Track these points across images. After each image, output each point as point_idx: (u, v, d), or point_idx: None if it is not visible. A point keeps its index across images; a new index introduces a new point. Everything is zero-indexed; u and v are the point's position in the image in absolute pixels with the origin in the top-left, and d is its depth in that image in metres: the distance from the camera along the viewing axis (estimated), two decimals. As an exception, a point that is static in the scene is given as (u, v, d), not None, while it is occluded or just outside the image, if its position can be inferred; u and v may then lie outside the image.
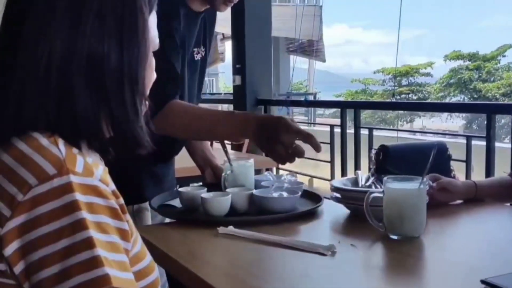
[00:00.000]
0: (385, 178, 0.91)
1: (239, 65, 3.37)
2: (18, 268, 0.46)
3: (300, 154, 0.92)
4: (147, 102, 0.58)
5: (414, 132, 7.65)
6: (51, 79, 0.51)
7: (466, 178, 2.32)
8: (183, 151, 1.32)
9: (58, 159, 0.48)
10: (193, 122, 1.02)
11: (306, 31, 7.40)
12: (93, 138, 0.54)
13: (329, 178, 3.20)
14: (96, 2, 0.52)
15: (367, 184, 1.11)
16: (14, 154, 0.49)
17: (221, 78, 15.99)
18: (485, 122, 2.23)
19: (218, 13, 1.21)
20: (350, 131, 3.06)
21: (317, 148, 0.93)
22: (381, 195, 0.91)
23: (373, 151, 1.22)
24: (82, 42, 0.51)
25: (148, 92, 0.58)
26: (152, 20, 0.58)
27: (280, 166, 3.74)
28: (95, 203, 0.47)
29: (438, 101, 13.05)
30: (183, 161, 1.40)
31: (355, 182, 1.14)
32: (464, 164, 2.32)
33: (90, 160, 0.52)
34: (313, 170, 3.97)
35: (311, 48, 9.42)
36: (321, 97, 22.98)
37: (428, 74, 21.25)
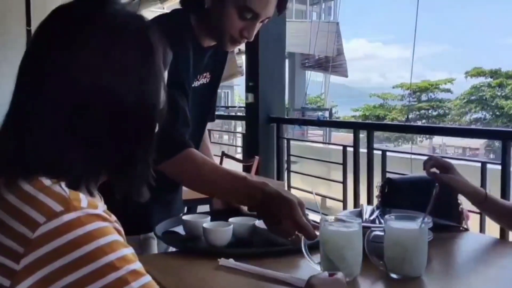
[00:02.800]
0: (386, 216, 0.90)
1: (252, 83, 3.38)
2: None
3: (295, 245, 0.92)
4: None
5: (428, 155, 7.50)
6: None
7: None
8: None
9: (63, 197, 0.51)
10: (210, 176, 1.00)
11: (323, 47, 7.43)
12: (92, 185, 0.57)
13: (341, 198, 3.17)
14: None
15: (371, 218, 1.09)
16: (20, 194, 0.51)
17: (236, 91, 16.10)
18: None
19: None
20: (364, 150, 3.03)
21: (311, 239, 0.91)
22: (382, 233, 0.90)
23: (379, 183, 1.21)
24: (97, 96, 0.54)
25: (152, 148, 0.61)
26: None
27: (292, 185, 3.73)
28: (105, 227, 0.51)
29: (452, 125, 12.88)
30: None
31: (359, 215, 1.12)
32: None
33: (90, 199, 0.54)
34: (326, 189, 3.94)
35: (328, 64, 9.43)
36: (339, 111, 22.93)
37: (448, 90, 20.98)
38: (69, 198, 0.51)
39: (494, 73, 19.55)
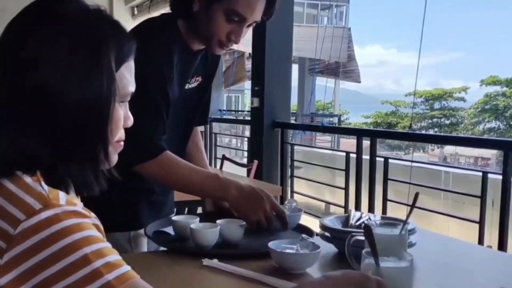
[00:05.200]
0: (368, 222, 0.91)
1: (258, 87, 3.40)
2: None
3: (271, 224, 1.07)
4: (111, 149, 0.62)
5: (430, 163, 7.41)
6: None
7: (480, 214, 2.25)
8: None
9: (42, 195, 0.53)
10: (185, 177, 1.11)
11: (333, 52, 7.42)
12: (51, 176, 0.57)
13: (343, 204, 3.17)
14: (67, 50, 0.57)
15: (357, 223, 1.10)
16: (2, 192, 0.54)
17: (247, 95, 16.15)
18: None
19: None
20: (367, 156, 3.03)
21: (286, 226, 1.08)
22: (362, 237, 0.91)
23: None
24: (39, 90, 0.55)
25: (112, 139, 0.61)
26: (125, 72, 0.62)
27: (296, 189, 3.74)
28: (81, 222, 0.53)
29: (455, 135, 12.75)
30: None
31: (346, 220, 1.13)
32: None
33: (68, 197, 0.56)
34: (330, 196, 3.94)
35: (338, 70, 9.39)
36: (350, 117, 22.76)
37: (461, 99, 20.73)
38: (47, 196, 0.53)
39: (510, 82, 19.26)
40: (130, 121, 0.65)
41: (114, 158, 0.64)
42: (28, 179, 0.54)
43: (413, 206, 0.91)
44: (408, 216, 0.90)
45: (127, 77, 0.63)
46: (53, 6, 0.59)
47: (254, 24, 1.10)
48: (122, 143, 0.65)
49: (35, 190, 0.53)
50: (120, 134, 0.64)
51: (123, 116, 0.63)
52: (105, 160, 0.60)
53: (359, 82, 10.46)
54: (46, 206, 0.52)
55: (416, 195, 0.93)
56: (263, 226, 1.06)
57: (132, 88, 0.64)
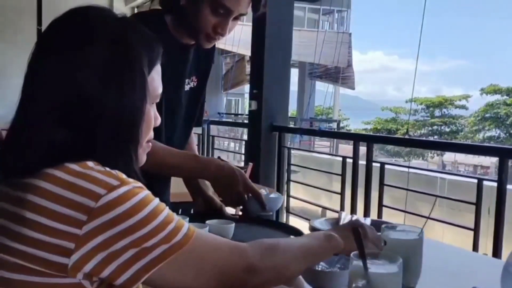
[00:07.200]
0: (383, 226, 0.88)
1: (256, 91, 3.40)
2: (98, 258, 0.55)
3: (245, 204, 1.11)
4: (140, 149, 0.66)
5: (426, 170, 7.40)
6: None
7: (475, 221, 2.24)
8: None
9: (114, 174, 0.58)
10: (166, 160, 1.11)
11: (334, 58, 7.44)
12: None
13: (339, 209, 3.16)
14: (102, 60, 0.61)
15: (346, 226, 1.10)
16: (71, 172, 0.57)
17: (246, 98, 16.16)
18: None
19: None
20: (363, 162, 3.03)
21: (263, 207, 1.12)
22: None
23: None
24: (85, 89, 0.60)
25: (143, 140, 0.66)
26: (154, 75, 0.66)
27: (293, 194, 3.73)
28: (149, 193, 0.60)
29: (449, 141, 12.77)
30: (178, 187, 1.42)
31: (336, 223, 1.13)
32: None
33: None
34: (327, 200, 3.93)
35: (337, 75, 9.42)
36: (350, 123, 22.76)
37: (463, 107, 20.74)
38: (118, 175, 0.58)
39: (511, 91, 19.29)
40: (158, 121, 0.69)
41: (143, 158, 0.68)
42: (90, 163, 0.58)
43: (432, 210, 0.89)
44: (426, 220, 0.89)
45: (157, 80, 0.67)
46: (84, 17, 0.63)
47: (241, 17, 1.10)
48: (150, 143, 0.69)
49: (104, 170, 0.58)
50: (150, 135, 0.68)
51: (153, 117, 0.67)
52: (135, 160, 0.64)
53: (353, 88, 10.52)
54: (122, 183, 0.57)
55: (434, 201, 0.91)
56: (238, 205, 1.13)
57: (161, 89, 0.68)
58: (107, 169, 0.59)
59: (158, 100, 0.68)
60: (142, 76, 0.63)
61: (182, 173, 1.20)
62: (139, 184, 0.59)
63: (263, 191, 1.17)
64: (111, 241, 0.55)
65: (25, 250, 0.55)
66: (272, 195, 1.19)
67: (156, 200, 0.59)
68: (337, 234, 0.75)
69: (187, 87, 1.22)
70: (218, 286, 0.62)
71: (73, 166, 0.57)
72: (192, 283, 0.60)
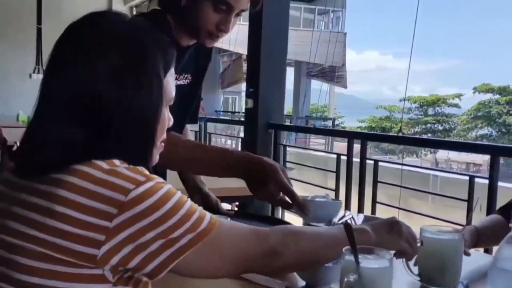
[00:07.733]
0: (422, 227, 0.89)
1: (253, 89, 3.43)
2: (126, 250, 0.58)
3: (283, 205, 1.04)
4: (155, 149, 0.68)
5: (419, 167, 7.44)
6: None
7: (467, 218, 2.28)
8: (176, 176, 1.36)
9: (139, 171, 0.61)
10: (194, 155, 1.08)
11: (329, 57, 7.47)
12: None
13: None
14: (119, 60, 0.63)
15: (340, 222, 1.13)
16: (100, 169, 0.60)
17: (243, 97, 16.08)
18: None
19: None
20: (357, 159, 3.07)
21: (303, 209, 1.01)
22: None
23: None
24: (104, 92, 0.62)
25: (157, 141, 0.68)
26: (169, 78, 0.69)
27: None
28: (171, 187, 0.62)
29: (442, 139, 12.86)
30: (175, 184, 1.44)
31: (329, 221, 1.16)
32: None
33: None
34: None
35: (332, 74, 9.47)
36: (345, 121, 22.83)
37: (456, 105, 20.88)
38: (143, 171, 0.61)
39: (502, 90, 19.44)
40: (171, 122, 0.71)
41: (156, 158, 0.70)
42: (116, 161, 0.61)
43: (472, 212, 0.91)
44: (467, 220, 0.91)
45: (171, 83, 0.69)
46: (102, 21, 0.66)
47: (242, 13, 1.11)
48: (163, 144, 0.72)
49: (131, 167, 0.61)
50: (163, 136, 0.70)
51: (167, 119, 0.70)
52: (150, 159, 0.66)
53: (346, 87, 10.59)
54: (148, 178, 0.60)
55: (477, 200, 0.93)
56: (269, 201, 1.04)
57: (174, 92, 0.71)
58: (131, 166, 0.61)
59: (172, 103, 0.70)
60: (159, 80, 0.65)
61: (214, 169, 1.10)
62: (161, 179, 0.62)
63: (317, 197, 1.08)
64: (140, 233, 0.58)
65: (53, 241, 0.57)
66: (329, 200, 1.09)
67: (179, 193, 0.62)
68: (370, 229, 0.75)
69: (176, 83, 1.22)
70: (242, 269, 0.66)
71: (101, 163, 0.60)
72: (216, 268, 0.63)
